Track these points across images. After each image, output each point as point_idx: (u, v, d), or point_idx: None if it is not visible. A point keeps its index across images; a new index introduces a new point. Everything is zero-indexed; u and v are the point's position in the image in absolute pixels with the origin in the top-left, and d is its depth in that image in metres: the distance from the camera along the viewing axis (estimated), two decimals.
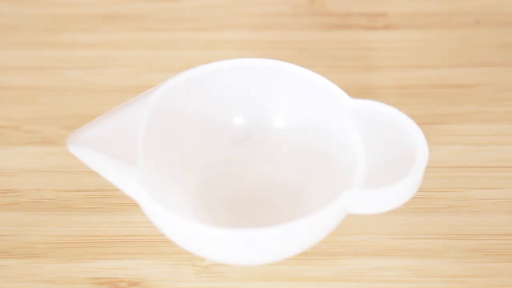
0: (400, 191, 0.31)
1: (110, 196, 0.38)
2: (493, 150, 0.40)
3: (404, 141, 0.33)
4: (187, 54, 0.46)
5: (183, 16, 0.49)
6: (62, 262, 0.35)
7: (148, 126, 0.34)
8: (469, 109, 0.42)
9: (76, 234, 0.36)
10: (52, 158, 0.40)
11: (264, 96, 0.38)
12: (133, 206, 0.36)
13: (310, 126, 0.37)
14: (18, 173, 0.39)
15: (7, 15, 0.48)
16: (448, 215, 0.37)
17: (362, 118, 0.34)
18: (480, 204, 0.37)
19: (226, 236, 0.30)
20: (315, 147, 0.37)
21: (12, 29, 0.47)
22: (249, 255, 0.32)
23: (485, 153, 0.40)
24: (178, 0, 0.50)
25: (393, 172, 0.32)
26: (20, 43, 0.46)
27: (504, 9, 0.48)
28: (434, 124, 0.41)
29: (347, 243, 0.36)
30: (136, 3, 0.50)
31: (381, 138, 0.33)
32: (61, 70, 0.45)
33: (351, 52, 0.45)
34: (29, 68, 0.45)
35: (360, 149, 0.33)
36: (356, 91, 0.41)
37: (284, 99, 0.37)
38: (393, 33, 0.47)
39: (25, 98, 0.43)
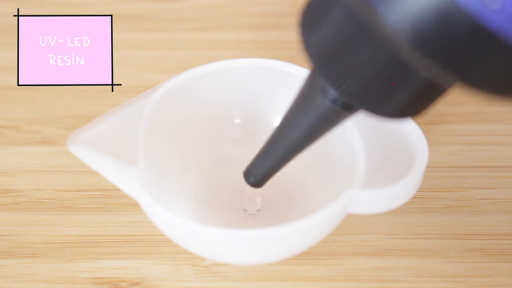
0: (400, 191, 0.31)
1: (110, 196, 0.38)
2: (493, 150, 0.40)
3: (404, 141, 0.33)
4: (187, 54, 0.46)
5: (183, 16, 0.49)
6: (62, 262, 0.35)
7: (148, 126, 0.34)
8: (469, 109, 0.42)
9: (76, 234, 0.36)
10: (52, 158, 0.40)
11: (263, 96, 0.38)
12: (133, 206, 0.36)
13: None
14: (18, 173, 0.39)
15: (7, 15, 0.48)
16: (448, 215, 0.37)
17: (362, 118, 0.34)
18: (480, 204, 0.37)
19: (226, 236, 0.30)
20: (315, 147, 0.37)
21: (12, 29, 0.47)
22: (249, 255, 0.32)
23: (485, 153, 0.40)
24: (178, 0, 0.50)
25: (393, 172, 0.32)
26: None
27: None
28: (434, 124, 0.41)
29: (347, 243, 0.36)
30: (136, 3, 0.50)
31: (381, 138, 0.33)
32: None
33: None
34: None
35: (360, 149, 0.33)
36: None
37: (283, 99, 0.37)
38: None
39: (25, 98, 0.43)
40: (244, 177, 0.33)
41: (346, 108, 0.26)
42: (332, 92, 0.26)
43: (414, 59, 0.21)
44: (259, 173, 0.32)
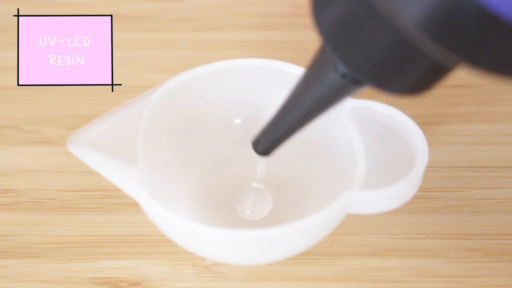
0: (400, 191, 0.31)
1: (110, 196, 0.38)
2: (493, 150, 0.40)
3: (404, 141, 0.33)
4: (187, 54, 0.46)
5: (183, 16, 0.49)
6: (62, 262, 0.35)
7: (148, 126, 0.34)
8: (469, 109, 0.42)
9: (76, 234, 0.36)
10: (52, 158, 0.40)
11: (263, 96, 0.38)
12: (133, 206, 0.36)
13: (309, 126, 0.37)
14: (18, 173, 0.39)
15: (7, 15, 0.48)
16: (448, 215, 0.37)
17: (362, 118, 0.34)
18: (480, 204, 0.37)
19: (226, 236, 0.30)
20: (315, 147, 0.37)
21: (12, 29, 0.47)
22: (249, 255, 0.32)
23: (485, 153, 0.40)
24: (178, 0, 0.50)
25: (393, 172, 0.32)
26: None
27: None
28: (434, 124, 0.41)
29: (347, 243, 0.36)
30: (136, 3, 0.50)
31: (381, 138, 0.33)
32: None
33: None
34: None
35: (360, 149, 0.33)
36: None
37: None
38: None
39: (25, 98, 0.43)
40: (253, 146, 0.33)
41: (355, 83, 0.27)
42: (342, 67, 0.27)
43: (422, 42, 0.22)
44: (267, 142, 0.33)
